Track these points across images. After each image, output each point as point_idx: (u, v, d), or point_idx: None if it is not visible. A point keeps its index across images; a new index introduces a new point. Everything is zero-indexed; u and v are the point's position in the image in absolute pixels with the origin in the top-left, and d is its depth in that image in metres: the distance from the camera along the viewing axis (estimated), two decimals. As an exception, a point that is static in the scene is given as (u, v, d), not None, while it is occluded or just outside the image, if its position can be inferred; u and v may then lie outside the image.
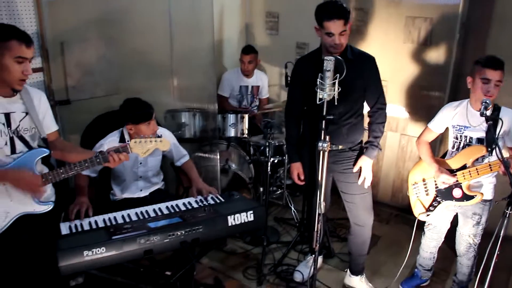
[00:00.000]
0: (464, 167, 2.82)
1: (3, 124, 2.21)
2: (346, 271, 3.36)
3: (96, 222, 2.56)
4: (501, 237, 2.36)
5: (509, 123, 2.71)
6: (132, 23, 3.76)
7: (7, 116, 2.23)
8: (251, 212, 2.67)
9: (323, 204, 2.61)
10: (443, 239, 3.18)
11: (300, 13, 4.69)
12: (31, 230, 2.36)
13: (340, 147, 2.86)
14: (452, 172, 2.87)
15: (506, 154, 2.70)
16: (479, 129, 2.76)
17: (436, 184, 2.96)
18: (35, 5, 3.13)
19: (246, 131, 4.11)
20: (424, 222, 3.17)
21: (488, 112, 2.68)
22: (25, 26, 3.08)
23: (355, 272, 3.26)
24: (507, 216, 2.34)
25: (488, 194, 2.87)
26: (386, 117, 2.98)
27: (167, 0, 4.00)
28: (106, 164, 2.39)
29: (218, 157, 3.88)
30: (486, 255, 2.48)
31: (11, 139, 2.25)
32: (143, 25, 3.83)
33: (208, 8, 3.93)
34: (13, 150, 2.26)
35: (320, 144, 2.49)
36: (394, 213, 4.57)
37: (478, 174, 2.76)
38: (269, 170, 3.69)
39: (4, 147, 2.22)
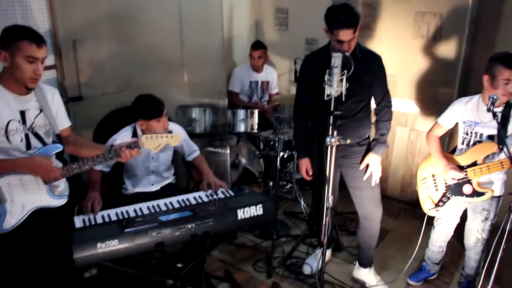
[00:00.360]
0: (474, 163, 2.83)
1: (19, 121, 2.26)
2: (355, 264, 3.39)
3: (109, 215, 2.61)
4: (507, 231, 2.38)
5: None
6: (143, 20, 3.80)
7: (23, 113, 2.28)
8: (260, 206, 2.69)
9: (331, 198, 2.65)
10: (452, 234, 3.19)
11: (310, 9, 4.72)
12: (45, 223, 2.42)
13: (348, 141, 2.89)
14: (462, 168, 2.88)
15: None
16: (490, 126, 2.74)
17: (446, 180, 2.97)
18: (48, 3, 3.17)
19: (256, 126, 4.14)
20: (433, 217, 3.18)
21: (500, 109, 2.68)
22: (38, 24, 3.14)
23: (363, 265, 3.29)
24: (512, 210, 2.36)
25: (498, 190, 2.87)
26: (391, 114, 2.99)
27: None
28: (118, 159, 2.45)
29: (228, 151, 3.93)
30: (492, 248, 2.51)
31: (26, 136, 2.30)
32: (154, 22, 3.88)
33: (217, 5, 3.98)
34: (28, 147, 2.31)
35: (328, 139, 2.53)
36: (403, 207, 4.59)
37: (489, 171, 2.76)
38: (278, 164, 3.72)
39: (19, 144, 2.27)
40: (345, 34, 2.63)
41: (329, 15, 2.67)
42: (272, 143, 4.29)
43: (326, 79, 2.47)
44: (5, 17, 2.94)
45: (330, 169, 2.59)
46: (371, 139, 3.06)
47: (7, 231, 2.24)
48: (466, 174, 2.86)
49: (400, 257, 3.64)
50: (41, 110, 2.37)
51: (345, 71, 2.45)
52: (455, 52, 3.98)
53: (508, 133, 2.71)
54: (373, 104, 3.02)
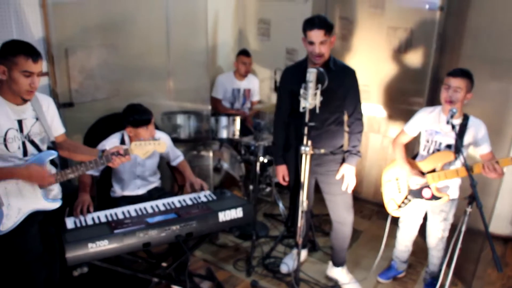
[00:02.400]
0: (433, 170, 3.04)
1: (17, 130, 2.40)
2: (329, 263, 3.57)
3: (98, 217, 2.76)
4: (462, 232, 2.61)
5: (475, 133, 2.92)
6: (131, 29, 3.91)
7: (20, 122, 2.42)
8: (240, 209, 2.88)
9: (305, 203, 2.84)
10: (416, 233, 3.41)
11: (290, 20, 4.89)
12: (39, 224, 2.55)
13: (322, 151, 3.03)
14: (422, 174, 3.09)
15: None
16: (449, 136, 2.98)
17: (408, 184, 3.18)
18: (42, 13, 3.27)
19: (237, 133, 4.30)
20: (398, 217, 3.41)
21: (457, 121, 2.92)
22: (32, 33, 3.24)
23: (336, 264, 3.48)
24: (467, 214, 2.60)
25: (454, 193, 3.10)
26: (363, 126, 3.16)
27: (165, 7, 4.16)
28: (109, 164, 2.60)
29: (211, 156, 4.09)
30: (451, 247, 2.74)
31: (23, 143, 2.44)
32: (142, 31, 3.99)
33: (203, 14, 4.12)
34: (25, 153, 2.45)
35: (302, 148, 2.73)
36: (376, 209, 4.82)
37: (446, 177, 2.98)
38: (258, 170, 3.88)
39: (17, 151, 2.41)
40: (316, 35, 2.85)
41: (305, 21, 2.93)
42: (252, 148, 4.44)
43: (301, 92, 2.67)
44: (0, 26, 3.03)
45: (305, 176, 2.79)
46: (344, 149, 3.23)
47: (3, 233, 2.37)
48: (425, 180, 3.08)
49: (371, 256, 3.82)
50: (37, 119, 2.51)
51: (319, 85, 2.65)
52: (424, 64, 4.25)
53: (465, 143, 2.94)
54: (346, 116, 3.21)
